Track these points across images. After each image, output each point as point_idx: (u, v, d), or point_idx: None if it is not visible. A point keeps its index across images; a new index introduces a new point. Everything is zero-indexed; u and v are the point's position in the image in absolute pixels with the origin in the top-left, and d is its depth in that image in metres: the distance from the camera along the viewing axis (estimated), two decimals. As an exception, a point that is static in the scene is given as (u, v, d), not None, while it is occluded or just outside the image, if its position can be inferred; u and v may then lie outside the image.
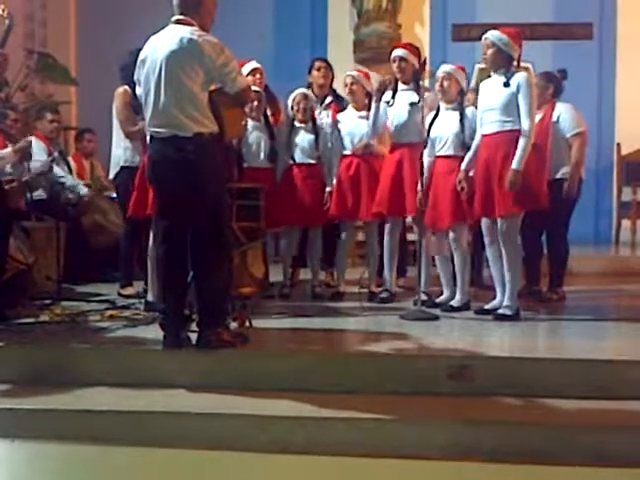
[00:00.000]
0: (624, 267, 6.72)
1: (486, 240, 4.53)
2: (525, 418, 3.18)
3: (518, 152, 4.23)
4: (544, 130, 4.86)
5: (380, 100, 4.91)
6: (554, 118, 5.01)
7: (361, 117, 5.16)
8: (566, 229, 5.16)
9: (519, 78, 4.29)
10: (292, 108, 5.27)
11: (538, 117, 4.70)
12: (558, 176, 4.95)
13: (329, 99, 5.56)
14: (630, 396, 3.30)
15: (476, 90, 4.87)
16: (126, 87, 4.82)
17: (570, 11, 8.44)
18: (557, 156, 4.88)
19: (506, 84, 4.31)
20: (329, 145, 5.23)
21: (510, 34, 4.36)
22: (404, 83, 4.95)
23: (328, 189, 5.16)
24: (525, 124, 4.26)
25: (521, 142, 4.24)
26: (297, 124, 5.25)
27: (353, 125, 5.18)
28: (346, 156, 5.19)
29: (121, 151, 5.05)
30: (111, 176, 5.24)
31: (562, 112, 5.04)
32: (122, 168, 5.05)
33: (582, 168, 5.07)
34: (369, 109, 5.05)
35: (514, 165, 4.23)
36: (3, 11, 4.53)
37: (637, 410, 3.21)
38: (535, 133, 4.36)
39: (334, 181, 5.15)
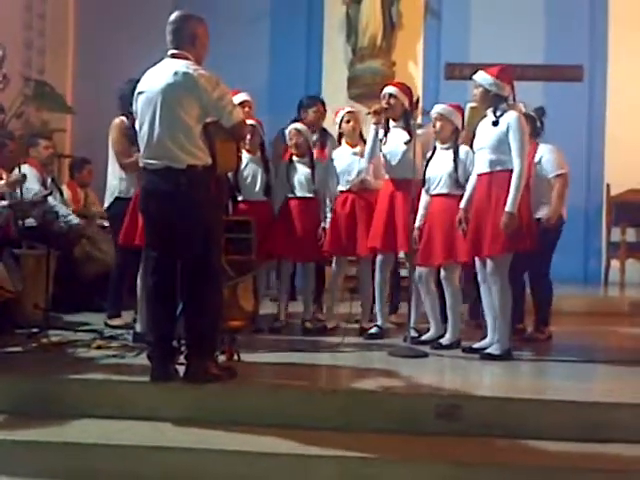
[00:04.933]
0: (613, 307, 6.75)
1: (479, 278, 4.54)
2: (513, 459, 3.17)
3: (511, 193, 4.21)
4: (527, 171, 4.90)
5: (379, 123, 4.94)
6: (536, 159, 5.04)
7: (355, 154, 5.21)
8: (548, 268, 5.18)
9: (509, 118, 4.30)
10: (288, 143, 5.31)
11: None
12: (538, 216, 4.95)
13: (315, 136, 5.62)
14: (618, 439, 3.29)
15: (473, 130, 4.90)
16: (123, 118, 4.84)
17: (561, 53, 8.57)
18: (538, 196, 4.89)
19: (495, 123, 4.34)
20: (324, 180, 5.26)
21: (494, 73, 4.38)
22: (393, 120, 5.00)
23: (322, 225, 5.18)
24: (516, 164, 4.25)
25: (513, 183, 4.23)
26: (294, 158, 5.29)
27: (348, 162, 5.22)
28: (342, 192, 5.22)
29: (116, 182, 5.05)
30: (105, 205, 5.24)
31: (544, 153, 5.09)
32: (116, 199, 5.03)
33: (563, 209, 5.11)
34: (364, 145, 5.11)
35: (507, 207, 4.21)
36: (-5, 42, 4.59)
37: (624, 453, 3.20)
38: None
39: (329, 218, 5.18)
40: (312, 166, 5.26)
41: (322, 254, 5.22)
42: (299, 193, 5.24)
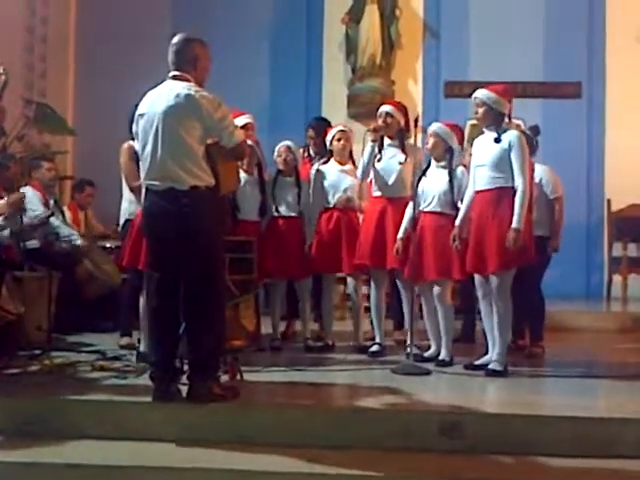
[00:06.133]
0: (615, 322, 6.72)
1: (478, 294, 4.55)
2: (516, 476, 3.16)
3: (516, 210, 4.25)
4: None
5: (375, 141, 4.96)
6: (536, 179, 5.08)
7: (343, 171, 5.24)
8: (540, 283, 5.22)
9: (511, 136, 4.34)
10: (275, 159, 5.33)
11: None
12: (536, 234, 4.98)
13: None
14: (622, 454, 3.27)
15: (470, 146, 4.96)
16: (131, 142, 4.87)
17: (560, 70, 8.63)
18: (536, 214, 4.92)
19: (497, 140, 4.37)
20: (310, 200, 5.26)
21: (498, 91, 4.43)
22: (389, 138, 5.03)
23: (308, 242, 5.19)
24: (519, 181, 4.28)
25: (517, 200, 4.27)
26: (281, 176, 5.30)
27: (334, 179, 5.24)
28: (327, 209, 5.24)
29: (127, 204, 5.12)
30: (120, 227, 5.29)
31: (543, 175, 5.19)
32: (126, 221, 5.10)
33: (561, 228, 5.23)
34: (353, 164, 5.14)
35: (514, 224, 4.23)
36: (-1, 66, 4.62)
37: (628, 468, 3.18)
38: None
39: (313, 234, 5.19)
40: (298, 186, 5.27)
41: (310, 272, 5.23)
42: (285, 212, 5.26)
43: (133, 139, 4.77)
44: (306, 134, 5.84)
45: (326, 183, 5.25)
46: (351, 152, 5.31)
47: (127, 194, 5.06)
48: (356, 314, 5.28)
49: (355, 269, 5.09)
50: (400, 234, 4.80)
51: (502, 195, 4.33)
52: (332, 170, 5.28)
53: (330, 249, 5.13)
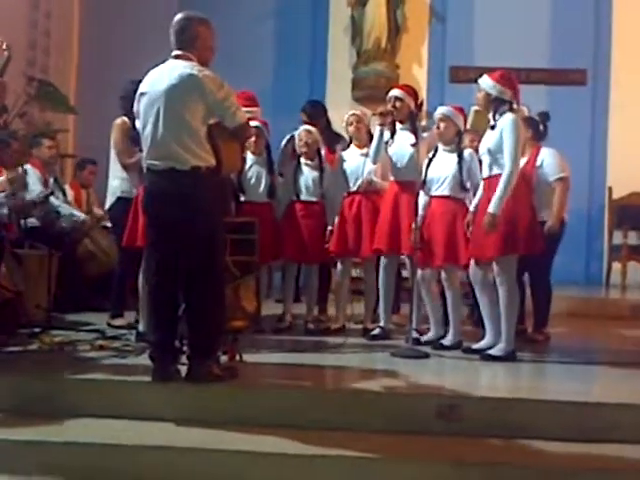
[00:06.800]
0: (614, 310, 6.75)
1: (472, 280, 4.56)
2: (513, 460, 3.17)
3: (495, 194, 4.20)
4: (529, 173, 4.92)
5: (384, 124, 4.93)
6: (538, 163, 5.07)
7: (363, 155, 5.20)
8: (548, 270, 5.19)
9: (504, 121, 4.28)
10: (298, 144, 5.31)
11: (523, 161, 4.74)
12: (541, 219, 4.96)
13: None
14: (618, 439, 3.29)
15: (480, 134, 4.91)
16: (124, 118, 4.85)
17: (565, 57, 8.59)
18: (539, 199, 4.90)
19: (493, 127, 4.35)
20: (332, 185, 5.26)
21: (495, 77, 4.38)
22: (400, 122, 5.01)
23: (330, 228, 5.18)
24: (506, 166, 4.21)
25: (500, 184, 4.21)
26: (302, 160, 5.29)
27: (355, 164, 5.22)
28: (348, 194, 5.23)
29: (118, 182, 5.06)
30: (107, 206, 5.25)
31: (546, 157, 5.11)
32: (118, 199, 5.05)
33: (564, 211, 5.13)
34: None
35: (490, 209, 4.19)
36: (2, 43, 4.58)
37: (624, 454, 3.20)
38: (522, 176, 4.37)
39: (336, 220, 5.18)
40: (321, 169, 5.26)
41: (327, 256, 5.23)
42: (304, 197, 5.25)
43: (126, 115, 4.76)
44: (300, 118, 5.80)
45: (347, 169, 5.24)
46: (370, 132, 5.25)
47: (119, 171, 5.01)
48: (342, 296, 5.29)
49: (373, 253, 5.07)
50: (418, 223, 4.75)
51: (497, 182, 4.26)
52: (353, 155, 5.26)
53: (351, 234, 5.13)
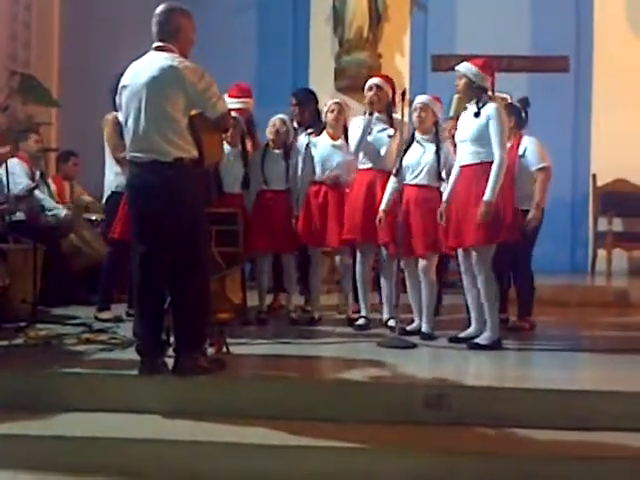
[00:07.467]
0: (600, 297, 6.76)
1: (461, 269, 4.57)
2: (501, 448, 3.19)
3: (490, 183, 4.25)
4: (511, 162, 4.92)
5: (372, 114, 4.93)
6: (520, 151, 5.05)
7: (334, 146, 5.19)
8: (530, 258, 5.20)
9: (488, 109, 4.32)
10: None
11: None
12: (522, 208, 4.97)
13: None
14: (606, 427, 3.31)
15: (456, 119, 4.92)
16: (115, 113, 4.82)
17: (547, 44, 8.58)
18: (521, 188, 4.91)
19: (476, 114, 4.36)
20: (299, 172, 5.24)
21: (479, 64, 4.41)
22: (378, 112, 5.00)
23: (294, 215, 5.18)
24: (496, 155, 4.27)
25: (492, 173, 4.26)
26: (270, 149, 5.27)
27: (326, 153, 5.19)
28: (315, 183, 5.21)
29: (112, 176, 5.12)
30: (103, 200, 5.27)
31: (528, 145, 5.09)
32: (113, 193, 5.09)
33: (544, 200, 5.09)
34: (345, 140, 5.11)
35: (486, 197, 4.24)
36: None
37: (612, 441, 3.23)
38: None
39: (300, 207, 5.18)
40: (286, 159, 5.24)
41: (297, 245, 5.22)
42: (273, 186, 5.23)
43: (116, 110, 4.73)
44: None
45: (316, 156, 5.21)
46: (345, 127, 5.25)
47: (113, 166, 5.04)
48: (346, 287, 5.30)
49: (344, 243, 5.08)
50: (383, 206, 4.78)
51: (483, 170, 4.31)
52: (324, 143, 5.22)
53: (317, 223, 5.12)
